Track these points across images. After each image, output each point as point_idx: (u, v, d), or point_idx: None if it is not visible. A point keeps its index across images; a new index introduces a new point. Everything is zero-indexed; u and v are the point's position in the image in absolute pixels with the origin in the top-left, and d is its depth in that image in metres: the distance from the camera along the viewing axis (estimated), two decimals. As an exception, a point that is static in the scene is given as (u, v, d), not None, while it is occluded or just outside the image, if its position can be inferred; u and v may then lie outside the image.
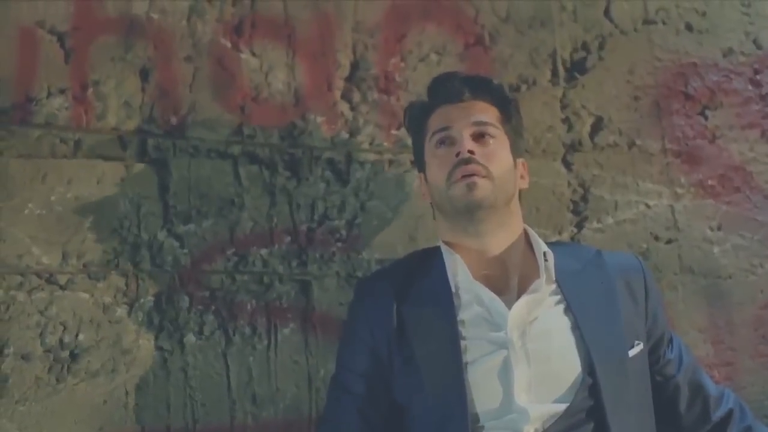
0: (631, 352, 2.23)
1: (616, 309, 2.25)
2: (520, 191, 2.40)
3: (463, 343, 2.19)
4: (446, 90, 2.35)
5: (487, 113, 2.32)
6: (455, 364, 2.16)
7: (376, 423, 2.26)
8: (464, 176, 2.23)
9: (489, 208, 2.25)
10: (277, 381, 2.58)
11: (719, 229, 2.86)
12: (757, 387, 2.77)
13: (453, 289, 2.24)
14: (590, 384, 2.16)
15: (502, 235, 2.30)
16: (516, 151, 2.36)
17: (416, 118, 2.41)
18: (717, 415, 2.35)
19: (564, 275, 2.27)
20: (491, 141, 2.29)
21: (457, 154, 2.24)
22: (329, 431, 2.30)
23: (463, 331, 2.21)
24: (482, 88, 2.36)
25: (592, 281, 2.28)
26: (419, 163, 2.42)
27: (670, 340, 2.36)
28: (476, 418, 2.15)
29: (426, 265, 2.32)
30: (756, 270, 2.81)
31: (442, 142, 2.30)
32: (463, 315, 2.23)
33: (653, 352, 2.31)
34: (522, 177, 2.40)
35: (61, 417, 2.47)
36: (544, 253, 2.27)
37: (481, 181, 2.23)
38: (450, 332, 2.20)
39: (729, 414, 2.36)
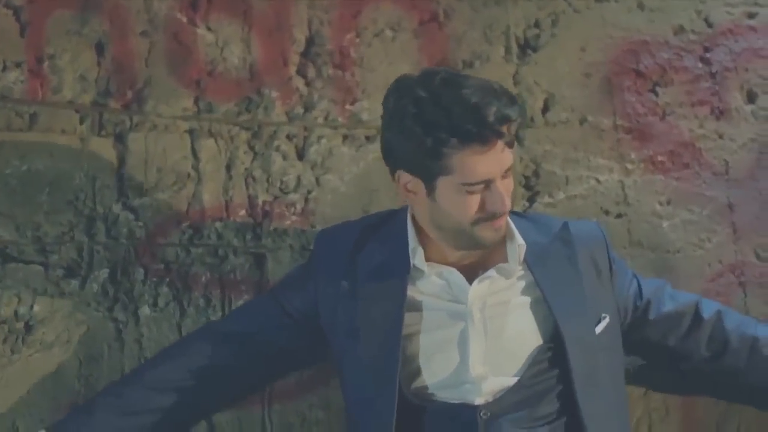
0: (598, 328, 2.26)
1: (581, 286, 2.28)
2: None
3: (418, 313, 2.22)
4: (482, 135, 2.08)
5: (512, 155, 2.17)
6: (394, 335, 2.19)
7: (240, 357, 2.35)
8: (495, 225, 2.16)
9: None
10: None
11: (668, 204, 2.87)
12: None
13: (412, 264, 2.25)
14: (555, 359, 2.20)
15: None
16: None
17: (432, 144, 2.09)
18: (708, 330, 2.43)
19: (531, 253, 2.28)
20: (511, 180, 2.19)
21: (494, 211, 2.13)
22: (197, 334, 2.45)
23: (422, 300, 2.24)
24: (515, 126, 2.14)
25: (558, 256, 2.31)
26: (417, 172, 2.16)
27: (639, 293, 2.41)
28: (425, 388, 2.19)
29: (389, 232, 2.33)
30: (704, 244, 2.83)
31: (475, 191, 2.13)
32: (422, 286, 2.25)
33: (633, 315, 2.39)
34: None
35: (16, 388, 2.51)
36: (519, 246, 2.26)
37: (504, 223, 2.21)
38: (397, 303, 2.22)
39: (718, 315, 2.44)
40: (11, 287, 2.53)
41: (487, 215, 2.14)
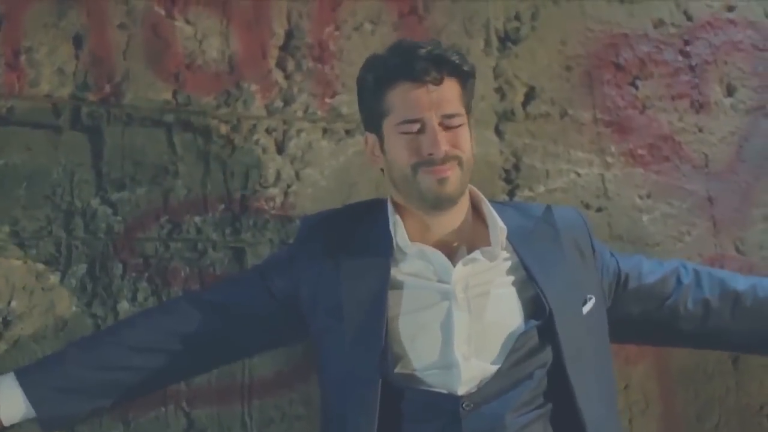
0: (585, 309, 2.28)
1: (567, 266, 2.31)
2: None
3: (401, 293, 2.24)
4: (411, 67, 2.24)
5: (453, 99, 2.25)
6: (378, 314, 2.20)
7: (214, 326, 2.36)
8: (436, 172, 2.22)
9: (458, 197, 2.27)
10: None
11: (648, 197, 2.90)
12: (688, 356, 2.83)
13: (395, 244, 2.28)
14: (542, 341, 2.20)
15: (455, 211, 2.32)
16: (469, 114, 2.34)
17: (372, 85, 2.31)
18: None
19: (515, 236, 2.31)
20: (459, 129, 2.26)
21: (430, 153, 2.21)
22: (180, 299, 2.48)
23: (405, 281, 2.25)
24: (448, 67, 2.26)
25: (543, 238, 2.34)
26: (371, 126, 2.34)
27: (618, 269, 2.44)
28: (409, 368, 2.19)
29: (371, 217, 2.36)
30: (683, 237, 2.87)
31: (409, 130, 2.24)
32: (405, 267, 2.27)
33: (616, 292, 2.41)
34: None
35: None
36: (500, 228, 2.29)
37: (452, 175, 2.23)
38: (380, 283, 2.23)
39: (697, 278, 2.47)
40: None
41: (423, 159, 2.21)
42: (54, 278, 2.56)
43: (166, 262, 2.62)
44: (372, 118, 2.33)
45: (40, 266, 2.56)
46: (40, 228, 2.58)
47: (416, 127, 2.23)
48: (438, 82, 2.23)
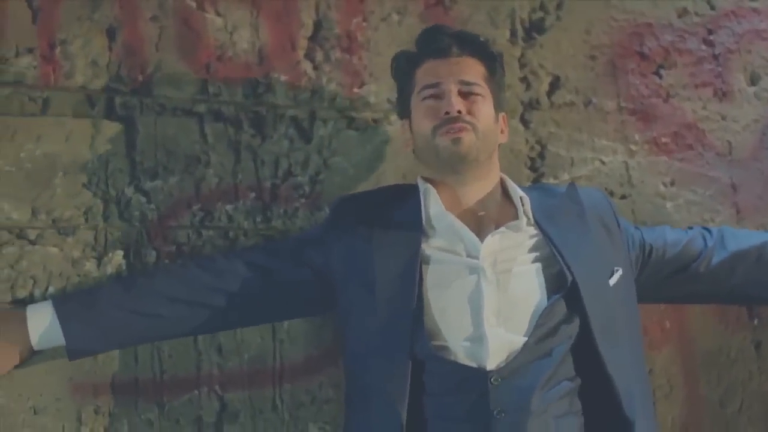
0: (612, 281, 2.31)
1: (592, 239, 2.36)
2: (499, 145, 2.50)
3: (430, 266, 2.29)
4: (435, 44, 2.43)
5: (473, 71, 2.42)
6: (409, 287, 2.25)
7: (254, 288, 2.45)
8: (450, 132, 2.34)
9: (473, 161, 2.36)
10: (242, 333, 2.63)
11: (672, 184, 2.92)
12: (712, 341, 2.87)
13: (424, 220, 2.35)
14: (570, 313, 2.24)
15: (480, 185, 2.41)
16: (498, 106, 2.46)
17: (403, 68, 2.50)
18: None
19: (540, 212, 2.38)
20: (477, 99, 2.38)
21: (446, 113, 2.34)
22: (221, 255, 2.54)
23: (433, 255, 2.30)
24: (469, 44, 2.44)
25: (568, 213, 2.41)
26: (404, 111, 2.51)
27: (643, 240, 2.50)
28: (442, 338, 2.23)
29: (402, 197, 2.44)
30: (707, 224, 2.86)
31: (429, 96, 2.39)
32: (435, 242, 2.33)
33: (643, 263, 2.47)
34: (502, 131, 2.51)
35: (33, 368, 2.50)
36: (521, 198, 2.38)
37: (466, 137, 2.33)
38: (412, 256, 2.29)
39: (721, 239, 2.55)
40: (27, 269, 2.55)
41: (440, 120, 2.35)
42: (90, 265, 2.59)
43: (198, 249, 2.65)
44: (404, 101, 2.50)
45: (77, 253, 2.59)
46: (76, 216, 2.61)
47: (435, 91, 2.38)
48: (459, 56, 2.40)
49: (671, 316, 2.85)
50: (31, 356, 2.44)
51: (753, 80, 3.02)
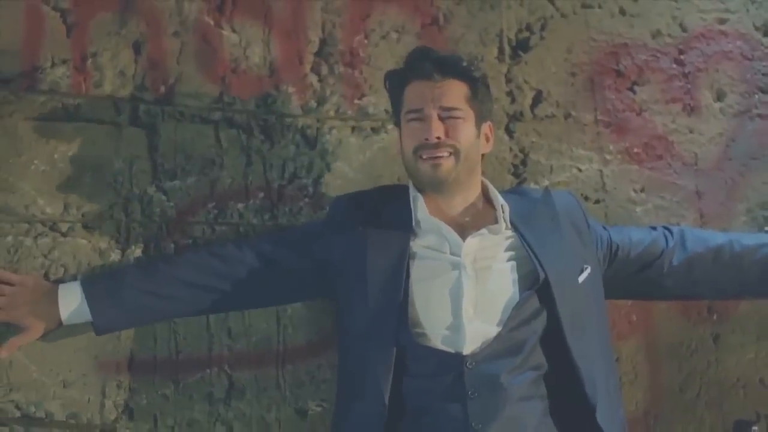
0: (581, 278, 2.46)
1: (563, 240, 2.49)
2: (483, 154, 2.60)
3: (417, 262, 2.44)
4: (420, 67, 2.49)
5: (455, 94, 2.49)
6: (397, 280, 2.40)
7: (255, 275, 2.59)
8: (430, 157, 2.46)
9: (453, 183, 2.49)
10: (250, 318, 2.76)
11: (642, 191, 3.01)
12: (674, 333, 2.98)
13: (414, 221, 2.49)
14: (541, 307, 2.38)
15: (463, 196, 2.55)
16: (482, 120, 2.56)
17: (394, 85, 2.57)
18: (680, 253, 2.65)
19: (517, 215, 2.52)
20: (458, 122, 2.48)
21: (426, 138, 2.45)
22: (232, 242, 2.65)
23: (420, 252, 2.45)
24: (452, 68, 2.51)
25: (541, 216, 2.54)
26: (397, 121, 2.59)
27: (610, 239, 2.63)
28: (419, 325, 2.38)
29: (395, 197, 2.57)
30: (674, 228, 2.94)
31: (414, 119, 2.49)
32: (422, 241, 2.47)
33: (610, 260, 2.60)
34: (487, 140, 2.61)
35: (63, 347, 2.64)
36: (502, 206, 2.51)
37: (445, 163, 2.46)
38: (401, 253, 2.43)
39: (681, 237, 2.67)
40: (59, 259, 2.67)
41: (421, 143, 2.44)
42: (115, 256, 2.70)
43: (212, 243, 2.75)
44: (396, 114, 2.58)
45: (103, 245, 2.69)
46: (103, 212, 2.71)
47: (418, 116, 2.47)
48: (441, 80, 2.47)
49: (638, 310, 2.96)
50: (58, 328, 2.56)
51: (719, 97, 3.11)
